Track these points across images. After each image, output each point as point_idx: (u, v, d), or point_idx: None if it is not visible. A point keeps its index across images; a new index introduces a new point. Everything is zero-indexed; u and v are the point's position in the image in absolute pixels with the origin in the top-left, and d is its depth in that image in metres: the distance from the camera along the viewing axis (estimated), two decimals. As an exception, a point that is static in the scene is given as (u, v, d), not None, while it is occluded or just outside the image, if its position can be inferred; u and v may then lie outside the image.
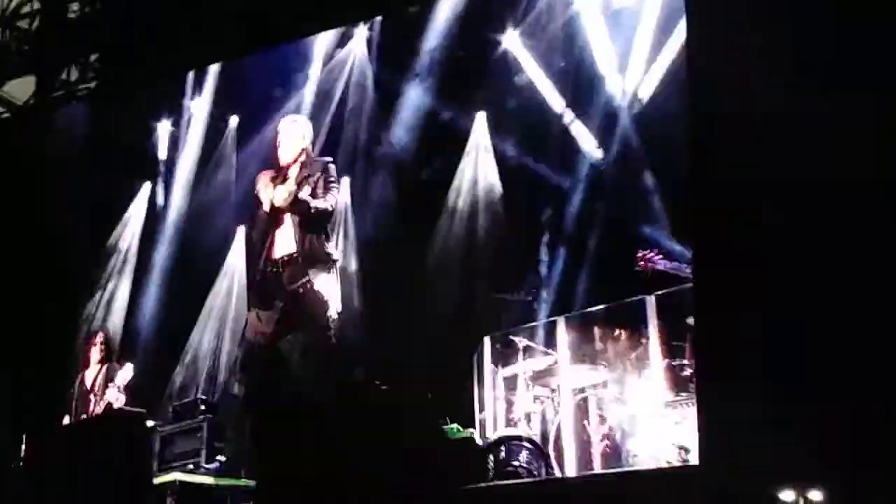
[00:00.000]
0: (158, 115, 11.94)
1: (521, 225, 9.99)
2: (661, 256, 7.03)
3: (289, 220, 6.83)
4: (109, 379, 8.57)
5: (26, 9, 9.94)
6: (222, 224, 11.71)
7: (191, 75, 11.28)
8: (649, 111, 9.25)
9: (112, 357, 9.07)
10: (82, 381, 8.83)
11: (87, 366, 8.91)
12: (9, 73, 10.27)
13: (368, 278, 10.70)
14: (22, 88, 10.53)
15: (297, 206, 6.78)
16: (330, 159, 7.12)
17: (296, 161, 6.98)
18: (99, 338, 9.08)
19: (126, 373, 8.54)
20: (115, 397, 8.37)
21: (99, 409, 8.45)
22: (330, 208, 6.87)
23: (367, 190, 11.00)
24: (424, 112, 10.51)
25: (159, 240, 11.80)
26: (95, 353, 8.90)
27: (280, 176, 6.92)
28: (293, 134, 7.09)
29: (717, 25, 4.91)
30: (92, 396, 8.58)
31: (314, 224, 6.83)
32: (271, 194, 6.80)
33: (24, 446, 7.46)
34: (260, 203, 6.90)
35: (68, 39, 9.64)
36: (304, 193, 6.78)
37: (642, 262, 6.99)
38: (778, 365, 4.32)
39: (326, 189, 6.88)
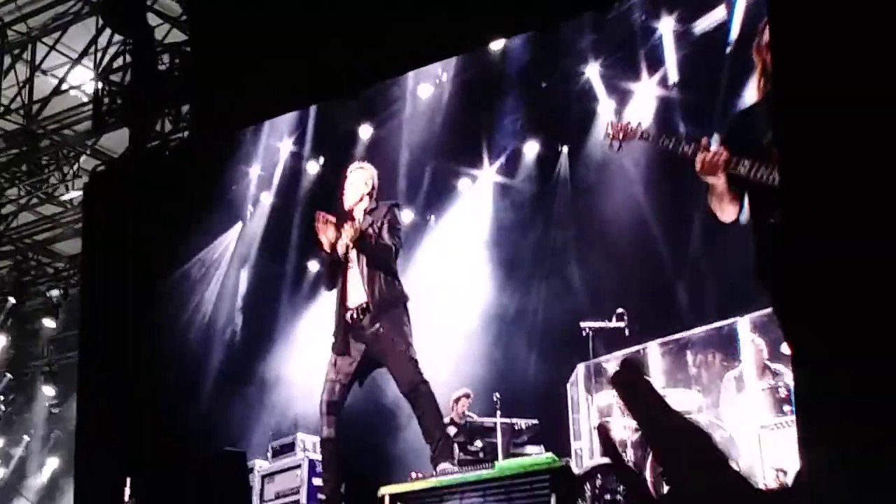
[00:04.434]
0: (249, 160, 12.10)
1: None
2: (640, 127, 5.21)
3: (356, 265, 6.91)
4: None
5: (118, 62, 10.18)
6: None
7: (278, 120, 11.41)
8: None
9: None
10: None
11: None
12: (104, 127, 10.55)
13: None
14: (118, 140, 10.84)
15: (361, 243, 6.87)
16: (395, 202, 7.21)
17: (358, 205, 7.09)
18: None
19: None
20: None
21: None
22: (394, 247, 6.94)
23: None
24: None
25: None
26: None
27: (344, 219, 7.01)
28: (358, 181, 7.19)
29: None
30: None
31: (381, 265, 6.90)
32: (332, 236, 6.90)
33: (128, 485, 7.59)
34: (320, 243, 7.02)
35: (158, 91, 9.81)
36: (369, 234, 6.87)
37: (613, 132, 5.21)
38: (881, 383, 4.25)
39: (391, 231, 6.94)
